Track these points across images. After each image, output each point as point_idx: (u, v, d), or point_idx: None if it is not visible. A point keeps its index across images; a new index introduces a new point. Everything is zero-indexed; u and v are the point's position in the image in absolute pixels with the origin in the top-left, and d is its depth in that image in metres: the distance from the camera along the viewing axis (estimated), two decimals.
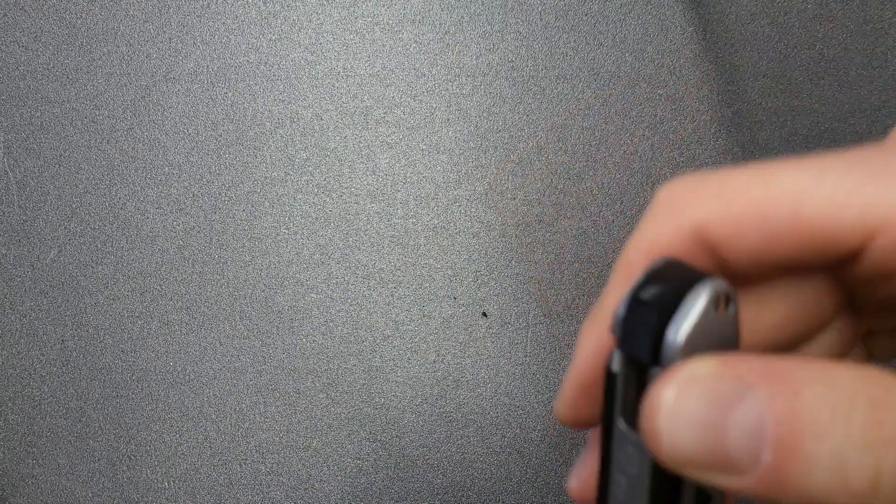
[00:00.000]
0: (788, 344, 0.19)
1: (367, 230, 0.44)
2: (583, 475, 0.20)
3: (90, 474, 0.43)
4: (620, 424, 0.17)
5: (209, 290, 0.44)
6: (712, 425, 0.13)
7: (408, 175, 0.45)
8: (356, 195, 0.45)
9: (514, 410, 0.44)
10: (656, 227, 0.17)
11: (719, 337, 0.16)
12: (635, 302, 0.16)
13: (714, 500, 0.17)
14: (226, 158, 0.44)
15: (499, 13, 0.46)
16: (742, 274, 0.18)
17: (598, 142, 0.44)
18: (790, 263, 0.17)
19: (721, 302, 0.16)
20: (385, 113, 0.45)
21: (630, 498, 0.17)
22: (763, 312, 0.18)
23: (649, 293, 0.16)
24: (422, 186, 0.45)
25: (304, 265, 0.44)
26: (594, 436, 0.20)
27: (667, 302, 0.16)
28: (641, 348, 0.16)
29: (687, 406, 0.14)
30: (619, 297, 0.18)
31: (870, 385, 0.13)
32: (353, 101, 0.45)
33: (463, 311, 0.44)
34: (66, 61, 0.45)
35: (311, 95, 0.45)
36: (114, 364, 0.43)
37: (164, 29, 0.45)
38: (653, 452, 0.15)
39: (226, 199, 0.44)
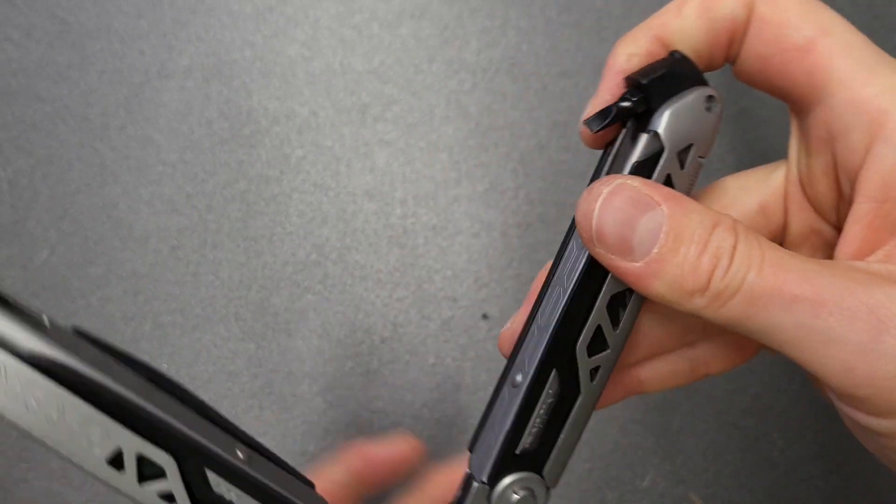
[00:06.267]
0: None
1: (364, 230, 0.45)
2: (516, 320, 0.25)
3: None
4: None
5: (203, 291, 0.44)
6: (628, 221, 0.20)
7: (406, 173, 0.45)
8: (353, 194, 0.45)
9: None
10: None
11: (695, 129, 0.22)
12: (658, 73, 0.21)
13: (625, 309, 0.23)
14: (220, 156, 0.45)
15: (500, 8, 0.46)
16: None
17: None
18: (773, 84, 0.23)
19: (711, 102, 0.22)
20: (383, 110, 0.45)
21: (556, 304, 0.22)
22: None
23: (664, 71, 0.21)
24: (421, 185, 0.45)
25: (300, 266, 0.44)
26: (533, 289, 0.24)
27: (673, 84, 0.21)
28: (644, 109, 0.21)
29: (615, 201, 0.20)
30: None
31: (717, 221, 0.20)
32: (351, 97, 0.45)
33: (463, 313, 0.44)
34: (58, 58, 0.45)
35: (307, 92, 0.45)
36: None
37: (158, 25, 0.45)
38: (581, 225, 0.21)
39: (220, 198, 0.45)
